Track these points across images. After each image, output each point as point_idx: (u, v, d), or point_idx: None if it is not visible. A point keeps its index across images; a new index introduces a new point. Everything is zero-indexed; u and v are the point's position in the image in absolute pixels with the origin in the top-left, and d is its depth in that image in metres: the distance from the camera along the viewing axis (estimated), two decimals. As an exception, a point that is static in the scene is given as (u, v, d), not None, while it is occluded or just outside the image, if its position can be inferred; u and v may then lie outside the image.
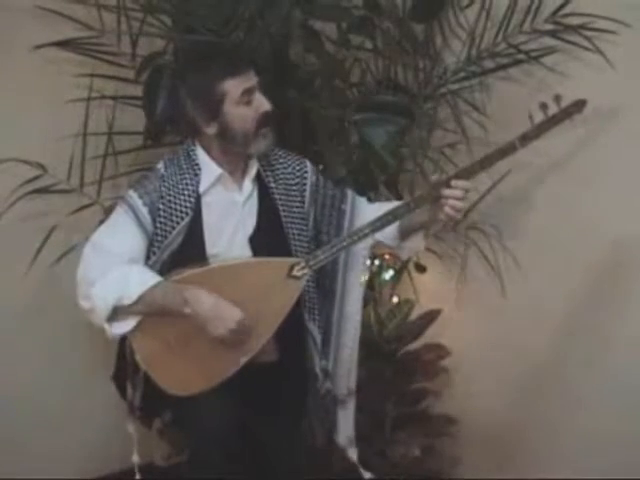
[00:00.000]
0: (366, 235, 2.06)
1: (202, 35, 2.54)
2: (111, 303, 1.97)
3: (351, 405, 2.33)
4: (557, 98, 2.04)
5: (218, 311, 1.96)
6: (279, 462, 2.27)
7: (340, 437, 2.34)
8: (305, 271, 2.05)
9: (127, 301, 1.97)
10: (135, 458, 2.24)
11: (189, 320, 1.97)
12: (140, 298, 1.97)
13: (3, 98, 2.61)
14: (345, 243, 2.06)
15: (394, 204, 2.12)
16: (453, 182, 2.01)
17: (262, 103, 2.05)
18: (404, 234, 2.20)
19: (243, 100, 2.03)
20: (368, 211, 2.22)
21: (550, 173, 2.63)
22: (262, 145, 2.08)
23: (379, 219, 2.05)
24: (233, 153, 2.10)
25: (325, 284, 2.23)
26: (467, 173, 2.04)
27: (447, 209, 2.01)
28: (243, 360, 2.02)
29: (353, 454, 2.35)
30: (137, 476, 2.24)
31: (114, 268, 1.99)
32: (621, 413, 2.51)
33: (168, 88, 2.45)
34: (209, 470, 2.05)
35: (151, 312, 2.00)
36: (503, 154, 2.05)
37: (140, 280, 1.99)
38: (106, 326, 2.01)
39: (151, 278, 2.00)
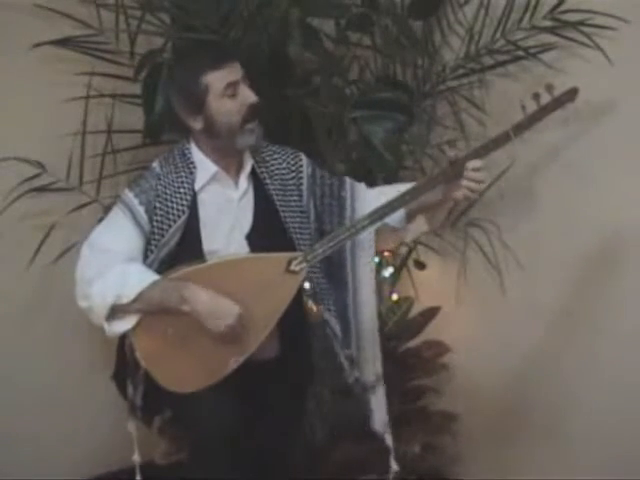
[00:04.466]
0: (364, 228, 2.05)
1: (200, 33, 2.54)
2: (109, 302, 1.97)
3: (381, 390, 2.29)
4: (549, 87, 2.04)
5: (216, 307, 1.96)
6: (278, 460, 2.26)
7: (377, 424, 2.30)
8: (303, 265, 2.04)
9: (125, 300, 1.97)
10: (136, 457, 2.23)
11: (188, 317, 1.97)
12: (138, 296, 1.96)
13: (2, 97, 2.61)
14: (343, 236, 2.04)
15: (394, 190, 2.10)
16: (472, 163, 2.01)
17: (248, 95, 2.03)
18: (412, 216, 2.20)
19: (227, 93, 2.01)
20: (368, 196, 2.21)
21: (549, 169, 2.63)
22: (249, 140, 2.06)
23: (376, 211, 2.04)
24: (224, 149, 2.09)
25: (335, 274, 2.22)
26: (460, 164, 2.03)
27: (466, 191, 2.02)
28: (244, 356, 2.02)
29: (389, 440, 2.31)
30: (138, 476, 2.24)
31: (112, 267, 1.99)
32: (621, 411, 2.51)
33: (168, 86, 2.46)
34: (209, 468, 2.05)
35: (150, 310, 1.99)
36: (497, 144, 2.04)
37: (138, 278, 1.98)
38: (105, 325, 2.01)
39: (149, 276, 1.99)
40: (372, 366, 2.28)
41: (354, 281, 2.24)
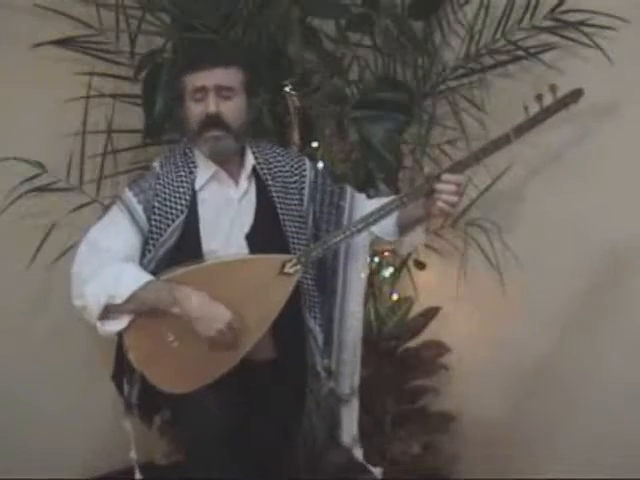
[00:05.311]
0: (359, 230, 2.04)
1: (200, 33, 2.54)
2: (103, 301, 1.96)
3: (355, 404, 2.32)
4: (553, 88, 1.99)
5: (207, 311, 1.95)
6: (277, 460, 2.26)
7: (344, 436, 2.33)
8: (297, 267, 2.04)
9: (118, 300, 1.96)
10: (133, 455, 2.22)
11: (181, 319, 1.97)
12: (131, 297, 1.96)
13: (2, 96, 2.60)
14: (337, 239, 2.04)
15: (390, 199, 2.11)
16: (445, 176, 1.99)
17: (208, 104, 2.03)
18: (403, 229, 2.20)
19: (194, 97, 2.04)
20: (367, 207, 2.19)
21: (549, 169, 2.63)
22: (203, 148, 2.07)
23: (371, 214, 2.03)
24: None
25: (326, 282, 2.23)
26: (462, 166, 2.02)
27: (440, 203, 1.98)
28: (236, 357, 2.02)
29: (358, 453, 2.34)
30: (137, 475, 2.23)
31: (107, 266, 1.99)
32: (620, 411, 2.51)
33: (166, 86, 2.47)
34: (206, 469, 2.04)
35: (142, 311, 1.99)
36: (498, 146, 2.01)
37: (132, 279, 1.98)
38: (98, 324, 2.00)
39: (143, 277, 1.99)
40: (349, 379, 2.30)
41: (344, 291, 2.25)
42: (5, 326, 2.70)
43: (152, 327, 2.01)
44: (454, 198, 1.99)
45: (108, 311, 1.99)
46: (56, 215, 2.67)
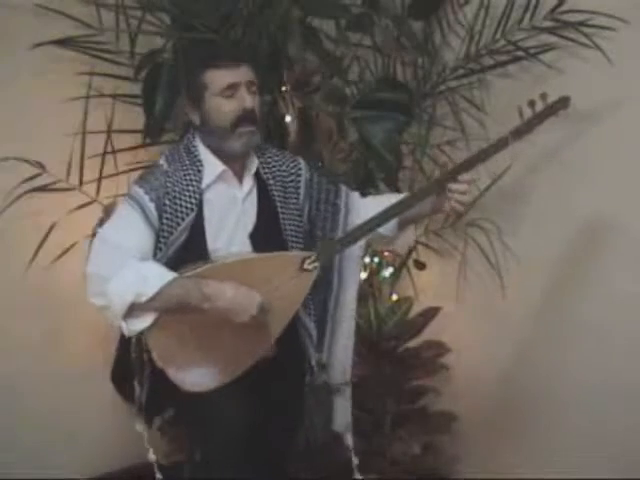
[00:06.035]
0: (373, 228, 2.09)
1: (201, 33, 2.54)
2: (129, 300, 1.94)
3: (348, 393, 2.32)
4: (543, 96, 2.09)
5: (239, 300, 1.97)
6: (278, 458, 2.26)
7: (337, 424, 2.32)
8: (316, 264, 2.07)
9: (144, 298, 1.94)
10: (151, 456, 2.21)
11: (206, 315, 1.97)
12: (158, 294, 1.95)
13: (2, 96, 2.61)
14: (355, 236, 2.10)
15: (384, 197, 2.17)
16: (460, 176, 2.05)
17: (243, 99, 2.05)
18: (402, 224, 2.24)
19: (225, 94, 2.04)
20: (362, 205, 2.25)
21: (549, 170, 2.63)
22: (237, 144, 2.08)
23: (386, 211, 2.08)
24: (223, 149, 2.11)
25: (321, 275, 2.24)
26: (465, 167, 2.08)
27: (454, 202, 2.07)
28: (259, 353, 2.03)
29: (348, 440, 2.34)
30: (157, 475, 2.22)
31: (128, 264, 1.97)
32: (622, 410, 2.51)
33: (167, 85, 2.47)
34: (220, 469, 2.04)
35: (168, 308, 1.98)
36: (497, 148, 2.10)
37: (157, 276, 1.97)
38: (123, 323, 1.99)
39: (167, 274, 1.98)
40: (342, 372, 2.31)
41: (339, 283, 2.27)
42: (5, 326, 2.70)
43: (175, 324, 2.00)
44: (467, 197, 2.08)
45: (131, 309, 1.97)
46: (56, 215, 2.67)
